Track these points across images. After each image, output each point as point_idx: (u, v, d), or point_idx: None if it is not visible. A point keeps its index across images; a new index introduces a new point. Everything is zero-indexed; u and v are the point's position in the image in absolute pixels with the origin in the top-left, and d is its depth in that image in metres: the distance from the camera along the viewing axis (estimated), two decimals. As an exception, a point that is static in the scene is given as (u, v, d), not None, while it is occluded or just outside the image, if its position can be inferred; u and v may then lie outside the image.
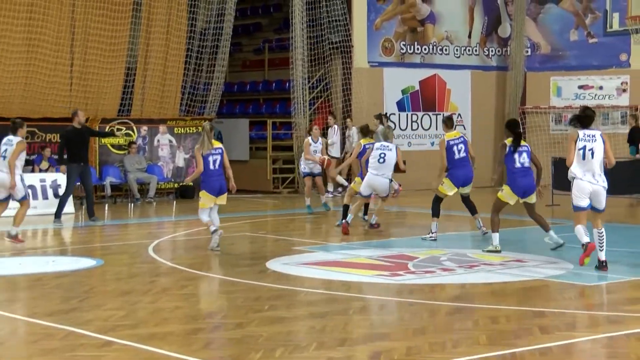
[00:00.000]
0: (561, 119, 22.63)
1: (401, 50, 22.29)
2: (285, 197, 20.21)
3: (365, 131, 14.59)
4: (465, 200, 13.12)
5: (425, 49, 22.64)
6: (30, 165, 17.72)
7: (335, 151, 20.04)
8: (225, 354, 6.71)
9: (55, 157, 17.86)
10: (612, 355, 6.59)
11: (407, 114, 22.35)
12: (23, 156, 12.27)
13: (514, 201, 11.24)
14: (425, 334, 7.16)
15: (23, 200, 12.27)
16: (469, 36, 23.29)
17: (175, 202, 19.17)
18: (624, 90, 22.76)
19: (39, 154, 18.02)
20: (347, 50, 21.39)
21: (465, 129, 23.14)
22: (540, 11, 23.65)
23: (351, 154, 15.25)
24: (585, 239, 9.83)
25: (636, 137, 19.94)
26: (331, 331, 7.21)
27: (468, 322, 7.59)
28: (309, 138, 16.33)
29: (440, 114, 22.75)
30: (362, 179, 13.63)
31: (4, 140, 12.21)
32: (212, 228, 11.60)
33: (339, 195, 19.67)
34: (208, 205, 11.59)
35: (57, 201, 15.23)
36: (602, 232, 9.77)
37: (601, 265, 9.85)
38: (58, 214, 14.71)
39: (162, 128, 19.84)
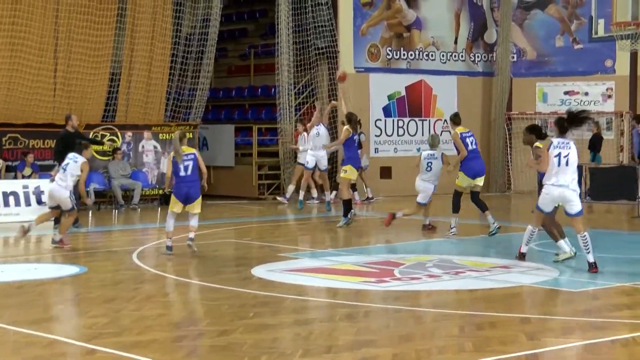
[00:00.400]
0: (547, 125, 22.72)
1: (387, 56, 22.35)
2: (271, 204, 20.20)
3: (349, 119, 15.15)
4: (475, 196, 13.20)
5: (411, 55, 22.71)
6: (13, 171, 17.65)
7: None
8: (210, 362, 6.70)
9: (38, 163, 17.81)
10: (598, 361, 6.63)
11: (393, 120, 22.39)
12: (76, 173, 12.67)
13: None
14: (411, 340, 7.17)
15: (71, 211, 12.69)
16: (455, 42, 23.38)
17: (159, 208, 19.11)
18: (610, 97, 22.89)
19: (21, 160, 17.93)
20: (333, 55, 21.41)
21: (451, 134, 23.16)
22: (526, 17, 23.77)
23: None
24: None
25: (597, 144, 20.12)
26: (316, 338, 7.21)
27: (454, 328, 7.61)
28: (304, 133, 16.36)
29: (426, 120, 22.82)
30: (353, 165, 14.42)
31: (70, 155, 12.79)
32: (168, 244, 11.95)
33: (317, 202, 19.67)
34: (175, 210, 11.89)
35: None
36: (585, 235, 10.04)
37: (591, 267, 10.09)
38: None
39: (146, 134, 19.80)
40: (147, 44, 19.95)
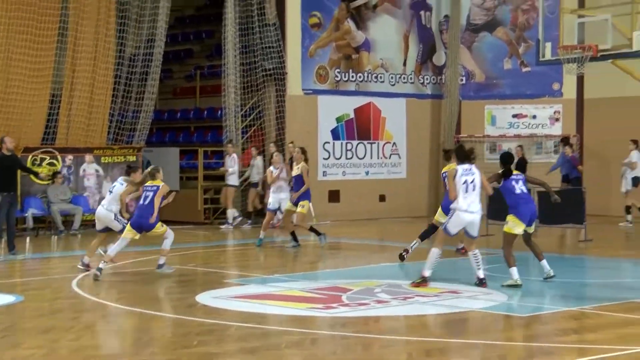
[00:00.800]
0: (495, 148, 23.06)
1: (336, 78, 22.48)
2: (216, 229, 20.09)
3: (305, 152, 15.65)
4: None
5: (360, 77, 22.88)
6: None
7: (233, 179, 20.07)
8: (152, 393, 6.61)
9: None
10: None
11: (341, 143, 22.48)
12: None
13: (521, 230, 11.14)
14: (358, 368, 7.16)
15: (122, 232, 12.74)
16: (404, 64, 23.62)
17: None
18: (557, 120, 23.33)
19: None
20: (281, 77, 21.47)
21: (400, 157, 23.40)
22: (475, 40, 24.14)
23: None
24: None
25: (522, 168, 20.47)
26: (262, 367, 7.17)
27: (402, 355, 7.64)
28: (271, 168, 16.28)
29: (375, 143, 22.96)
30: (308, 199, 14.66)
31: (120, 178, 13.27)
32: (101, 265, 12.11)
33: (241, 224, 19.71)
34: (128, 236, 12.24)
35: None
36: (477, 253, 11.02)
37: (480, 283, 10.96)
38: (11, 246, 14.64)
39: (88, 157, 19.56)
40: (90, 65, 19.78)
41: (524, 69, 23.52)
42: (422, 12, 23.89)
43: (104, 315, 9.78)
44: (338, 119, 22.48)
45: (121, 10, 20.27)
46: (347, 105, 22.55)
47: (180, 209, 21.34)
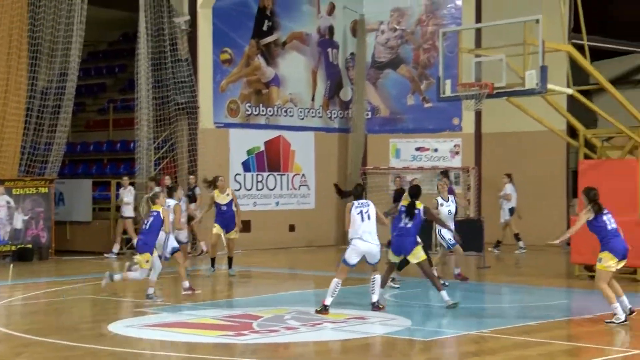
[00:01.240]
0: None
1: (246, 112, 22.51)
2: (129, 259, 19.74)
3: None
4: (401, 266, 12.78)
5: (270, 111, 22.97)
6: None
7: (128, 211, 19.90)
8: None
9: None
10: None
11: (252, 175, 22.48)
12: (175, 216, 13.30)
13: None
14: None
15: (174, 253, 13.06)
16: (312, 99, 23.83)
17: (12, 265, 18.32)
18: (457, 153, 23.88)
19: None
20: (193, 111, 21.37)
21: (309, 189, 23.52)
22: (379, 76, 24.56)
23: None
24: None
25: (400, 199, 20.89)
26: (174, 394, 7.07)
27: (311, 380, 7.63)
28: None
29: (285, 175, 23.03)
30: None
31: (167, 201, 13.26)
32: (149, 291, 12.51)
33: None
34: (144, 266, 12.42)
35: None
36: (375, 278, 11.39)
37: (374, 306, 11.34)
38: None
39: (-1, 189, 19.02)
40: (1, 97, 19.27)
41: (426, 105, 24.03)
42: (329, 50, 24.21)
43: (14, 347, 9.48)
44: (249, 152, 22.49)
45: (33, 45, 19.86)
46: (257, 139, 22.59)
47: (94, 239, 20.99)
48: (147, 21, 20.92)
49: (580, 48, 15.18)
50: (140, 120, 20.59)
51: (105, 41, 28.08)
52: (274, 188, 22.85)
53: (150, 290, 12.57)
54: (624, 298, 10.69)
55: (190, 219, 16.71)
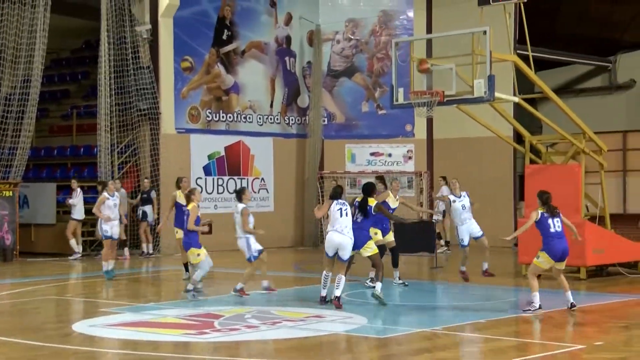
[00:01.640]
0: (356, 183, 23.52)
1: (207, 118, 22.44)
2: (93, 260, 19.56)
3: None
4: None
5: (230, 117, 22.92)
6: None
7: (77, 213, 19.81)
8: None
9: None
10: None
11: (213, 178, 22.42)
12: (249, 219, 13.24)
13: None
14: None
15: (251, 261, 13.07)
16: (271, 105, 23.83)
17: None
18: (410, 158, 24.08)
19: None
20: (155, 117, 21.27)
21: (268, 192, 23.51)
22: (335, 84, 24.66)
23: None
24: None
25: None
26: (138, 391, 7.03)
27: (271, 376, 7.64)
28: (105, 193, 15.74)
29: (245, 178, 23.01)
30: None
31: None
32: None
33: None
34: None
35: None
36: (341, 277, 11.56)
37: (332, 300, 11.49)
38: None
39: (-36, 192, 18.73)
40: (-34, 103, 18.99)
41: (380, 112, 24.18)
42: (287, 58, 24.24)
43: (-20, 347, 9.33)
44: (210, 156, 22.42)
45: (-4, 51, 19.62)
46: (218, 144, 22.53)
47: (57, 241, 20.74)
48: (109, 30, 20.79)
49: (525, 58, 15.40)
50: (102, 126, 20.42)
51: (68, 49, 27.78)
52: (234, 191, 22.75)
53: (190, 287, 12.76)
54: (569, 293, 11.33)
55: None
